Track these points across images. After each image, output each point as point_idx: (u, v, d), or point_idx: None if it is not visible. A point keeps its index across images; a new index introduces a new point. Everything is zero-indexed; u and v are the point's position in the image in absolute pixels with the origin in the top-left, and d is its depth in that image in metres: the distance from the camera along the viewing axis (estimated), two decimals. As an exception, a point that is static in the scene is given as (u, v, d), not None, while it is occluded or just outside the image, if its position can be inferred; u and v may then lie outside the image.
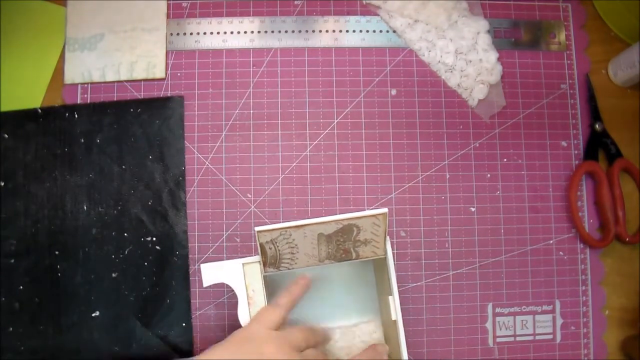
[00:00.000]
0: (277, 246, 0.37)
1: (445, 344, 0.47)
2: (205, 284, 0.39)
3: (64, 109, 0.48)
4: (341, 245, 0.38)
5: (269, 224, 0.36)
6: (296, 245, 0.37)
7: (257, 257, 0.39)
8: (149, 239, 0.47)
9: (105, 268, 0.46)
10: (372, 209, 0.37)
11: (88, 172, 0.47)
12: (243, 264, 0.39)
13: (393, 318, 0.39)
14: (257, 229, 0.36)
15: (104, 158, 0.47)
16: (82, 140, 0.47)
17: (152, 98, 0.48)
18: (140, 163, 0.47)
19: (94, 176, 0.47)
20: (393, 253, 0.47)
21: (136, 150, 0.47)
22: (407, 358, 0.39)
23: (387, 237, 0.39)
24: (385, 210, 0.37)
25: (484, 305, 0.47)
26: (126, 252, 0.46)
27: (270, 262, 0.38)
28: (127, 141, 0.48)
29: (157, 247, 0.46)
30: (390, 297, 0.40)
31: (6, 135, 0.47)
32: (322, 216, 0.37)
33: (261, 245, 0.37)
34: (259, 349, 0.35)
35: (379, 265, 0.43)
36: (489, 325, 0.47)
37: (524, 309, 0.48)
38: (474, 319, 0.47)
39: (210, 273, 0.39)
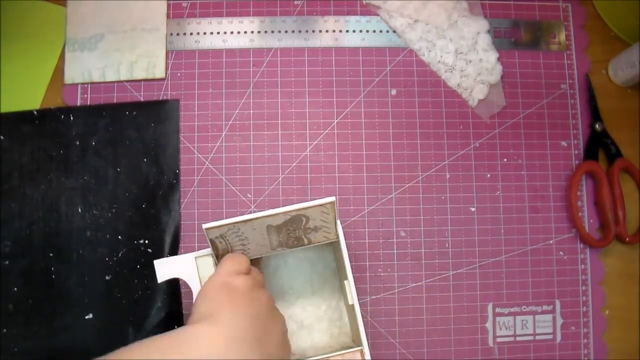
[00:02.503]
0: (228, 240, 0.37)
1: (445, 344, 0.47)
2: (159, 280, 0.38)
3: (60, 111, 0.48)
4: (292, 233, 0.38)
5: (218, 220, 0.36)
6: (246, 237, 0.37)
7: (210, 250, 0.38)
8: (141, 241, 0.46)
9: (98, 270, 0.46)
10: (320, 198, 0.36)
11: (83, 175, 0.47)
12: (195, 257, 0.39)
13: (350, 302, 0.39)
14: (204, 226, 0.35)
15: (99, 160, 0.47)
16: (78, 143, 0.47)
17: (147, 101, 0.48)
18: (134, 166, 0.47)
19: (89, 178, 0.47)
20: (393, 253, 0.47)
21: (131, 153, 0.47)
22: (367, 343, 0.38)
23: (338, 222, 0.39)
24: (332, 199, 0.36)
25: (484, 305, 0.47)
26: (120, 255, 0.46)
27: (222, 254, 0.38)
28: (122, 144, 0.47)
29: (149, 250, 0.46)
30: (345, 282, 0.39)
31: (2, 137, 0.47)
32: None
33: (211, 240, 0.37)
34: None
35: (337, 250, 0.43)
36: (489, 325, 0.47)
37: (524, 309, 0.48)
38: (474, 319, 0.47)
39: (164, 268, 0.39)
